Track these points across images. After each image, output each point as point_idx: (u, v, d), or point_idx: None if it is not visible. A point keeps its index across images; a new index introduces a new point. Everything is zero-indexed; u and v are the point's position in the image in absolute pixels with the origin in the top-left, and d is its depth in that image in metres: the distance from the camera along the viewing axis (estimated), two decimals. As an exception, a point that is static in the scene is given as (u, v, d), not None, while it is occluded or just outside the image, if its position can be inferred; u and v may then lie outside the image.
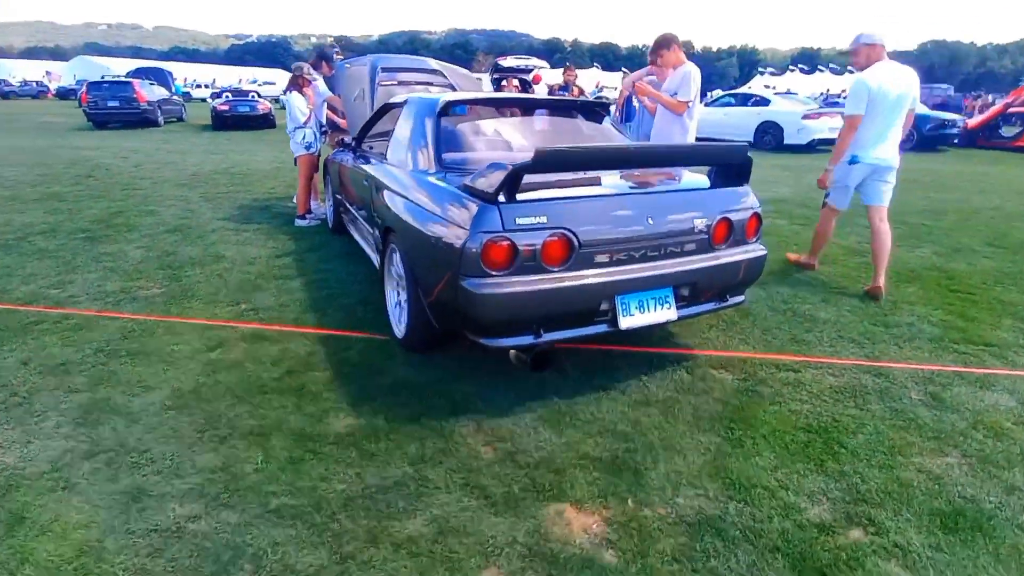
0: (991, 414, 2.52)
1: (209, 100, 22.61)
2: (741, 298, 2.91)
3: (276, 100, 22.07)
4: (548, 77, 12.25)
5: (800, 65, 46.00)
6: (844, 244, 5.18)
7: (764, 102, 13.86)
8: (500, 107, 3.54)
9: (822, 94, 27.83)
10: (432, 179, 2.74)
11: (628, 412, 2.50)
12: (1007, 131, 14.83)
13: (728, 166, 2.76)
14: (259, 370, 2.85)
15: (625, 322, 2.46)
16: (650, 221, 2.46)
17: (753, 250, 2.80)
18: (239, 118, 16.27)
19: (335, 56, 6.68)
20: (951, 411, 2.54)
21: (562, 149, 2.34)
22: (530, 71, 11.91)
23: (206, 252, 4.73)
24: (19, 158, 10.15)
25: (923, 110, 14.95)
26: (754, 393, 2.67)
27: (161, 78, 22.88)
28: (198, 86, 40.88)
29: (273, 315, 3.51)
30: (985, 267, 4.57)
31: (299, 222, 5.66)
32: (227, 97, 18.16)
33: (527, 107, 3.64)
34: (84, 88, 16.53)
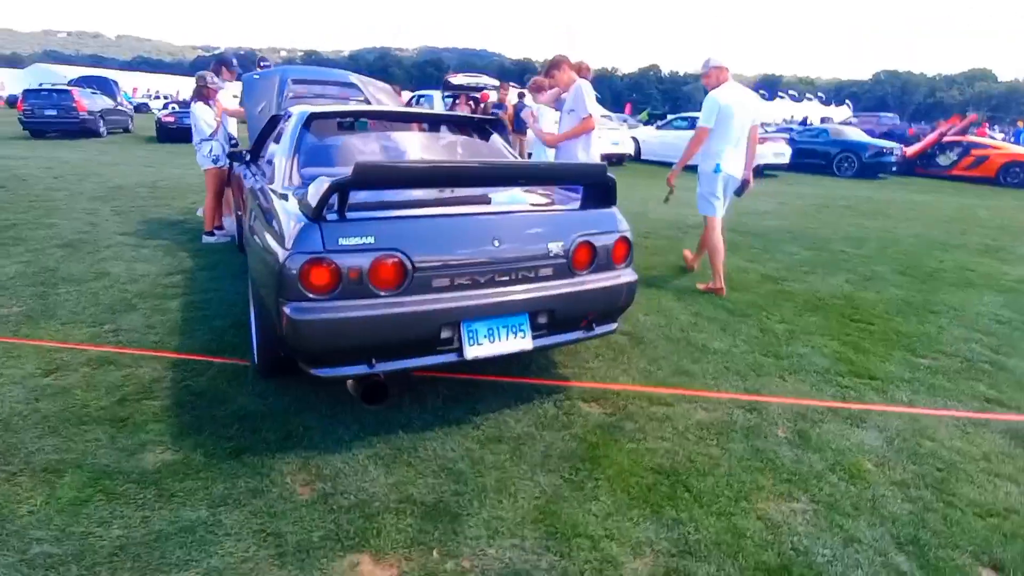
0: (853, 454, 2.42)
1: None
2: (612, 326, 2.79)
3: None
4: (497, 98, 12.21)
5: (761, 91, 47.30)
6: (762, 271, 5.16)
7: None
8: (382, 121, 3.39)
9: (784, 120, 28.59)
10: (278, 195, 2.57)
11: (475, 449, 2.33)
12: (943, 159, 15.28)
13: (591, 187, 2.65)
14: (88, 398, 2.60)
15: (472, 351, 2.31)
16: (496, 244, 2.32)
17: (621, 276, 2.69)
18: (185, 130, 15.75)
19: (258, 67, 6.49)
20: (813, 451, 2.43)
21: (385, 164, 2.21)
22: (480, 89, 11.90)
23: (91, 268, 4.44)
24: (-62, 164, 9.66)
25: (863, 138, 15.44)
26: (616, 429, 2.52)
27: (106, 87, 22.20)
28: (156, 97, 39.67)
29: (134, 337, 3.26)
30: (891, 296, 4.57)
31: (206, 239, 5.40)
32: (173, 108, 17.44)
33: (410, 122, 3.51)
34: (20, 96, 15.90)
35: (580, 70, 4.73)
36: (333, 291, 2.08)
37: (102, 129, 16.86)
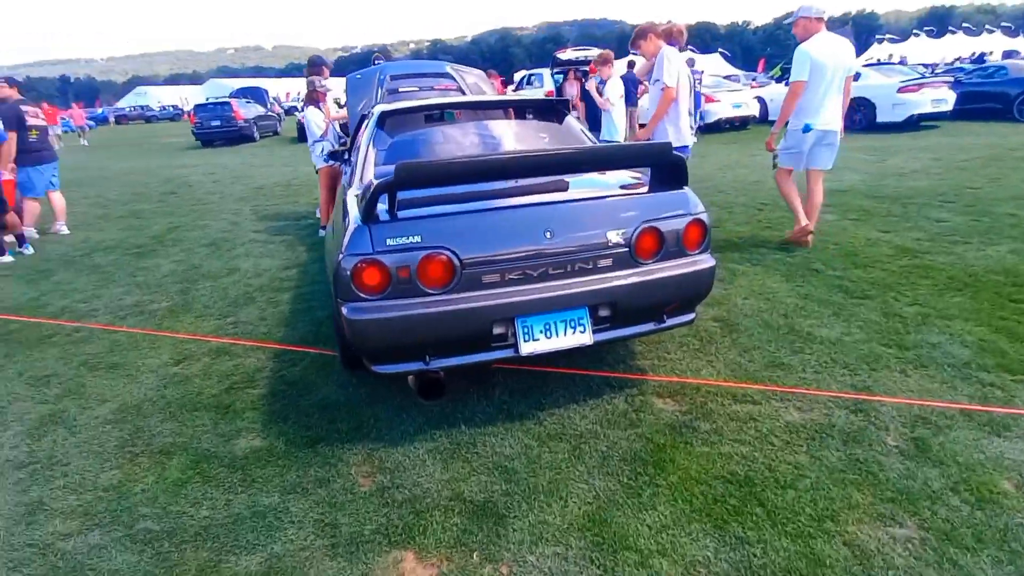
0: (986, 471, 2.00)
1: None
2: (688, 317, 2.56)
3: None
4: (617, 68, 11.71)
5: (927, 28, 40.39)
6: (898, 242, 4.45)
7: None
8: (445, 113, 3.38)
9: (955, 60, 24.30)
10: (350, 196, 2.67)
11: (533, 447, 2.29)
12: None
13: (657, 169, 2.42)
14: (204, 385, 2.95)
15: (527, 347, 2.25)
16: (548, 236, 2.21)
17: (696, 263, 2.44)
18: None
19: (374, 62, 6.80)
20: (933, 464, 2.05)
21: (425, 163, 2.17)
22: (588, 63, 11.49)
23: (225, 265, 5.03)
24: (128, 178, 11.52)
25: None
26: (688, 430, 2.33)
27: (258, 96, 24.93)
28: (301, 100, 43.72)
29: (248, 329, 3.64)
30: (1076, 270, 3.70)
31: (322, 232, 5.87)
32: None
33: (480, 111, 3.46)
34: (191, 110, 18.46)
35: (671, 35, 4.38)
36: (385, 291, 2.13)
37: (256, 134, 19.05)
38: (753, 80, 22.68)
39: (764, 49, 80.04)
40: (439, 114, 3.40)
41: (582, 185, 2.54)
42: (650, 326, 2.47)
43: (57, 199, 6.69)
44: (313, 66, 5.86)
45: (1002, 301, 3.31)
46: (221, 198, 8.56)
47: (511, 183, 2.45)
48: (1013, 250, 4.12)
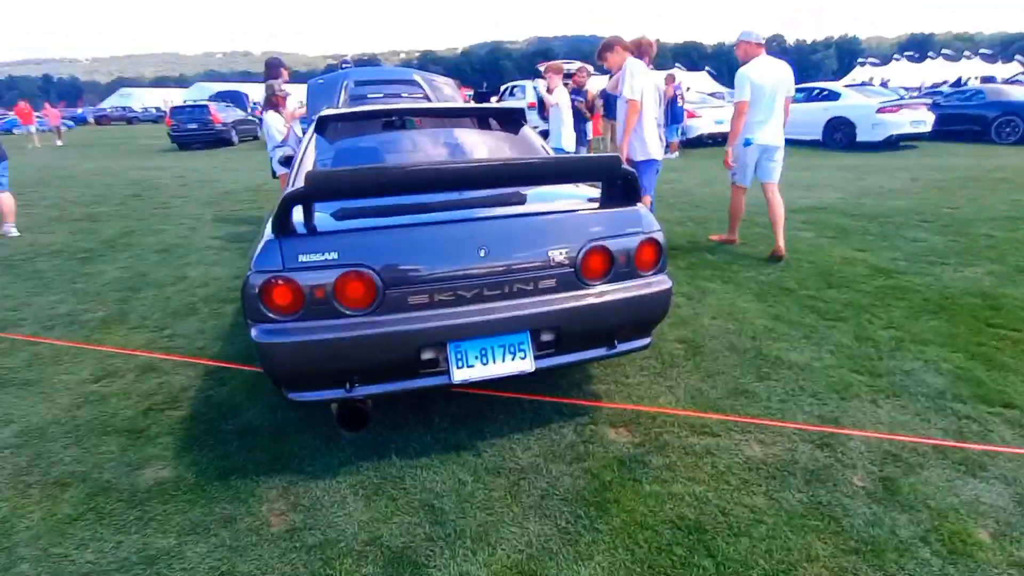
0: (960, 517, 1.82)
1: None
2: (642, 342, 2.36)
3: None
4: (597, 82, 11.65)
5: (908, 53, 41.27)
6: (874, 262, 4.32)
7: (833, 96, 12.25)
8: (391, 121, 3.16)
9: (932, 85, 24.75)
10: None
11: (467, 483, 2.07)
12: None
13: (607, 183, 2.23)
14: (121, 406, 2.69)
15: (460, 375, 2.03)
16: (482, 253, 2.00)
17: (650, 284, 2.25)
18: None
19: (340, 67, 6.61)
20: (902, 508, 1.87)
21: (338, 171, 1.97)
22: (571, 75, 11.42)
23: (173, 273, 4.77)
24: (95, 179, 11.15)
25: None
26: (639, 465, 2.12)
27: (238, 100, 24.63)
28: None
29: (183, 343, 3.38)
30: (1053, 295, 3.58)
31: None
32: (295, 116, 19.21)
33: (433, 118, 3.26)
34: (168, 112, 18.12)
35: (639, 47, 4.25)
36: (298, 311, 1.91)
37: (234, 138, 18.71)
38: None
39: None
40: (392, 121, 3.19)
41: (539, 199, 2.34)
42: (600, 352, 2.28)
43: (5, 200, 6.35)
44: (270, 68, 5.65)
45: (979, 325, 3.17)
46: (184, 202, 8.27)
47: (457, 195, 2.25)
48: (990, 272, 4.01)
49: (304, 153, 2.83)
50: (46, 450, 2.38)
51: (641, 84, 4.15)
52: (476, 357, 2.05)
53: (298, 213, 2.02)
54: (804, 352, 2.95)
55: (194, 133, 17.45)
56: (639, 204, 2.30)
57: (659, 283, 2.28)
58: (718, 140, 13.23)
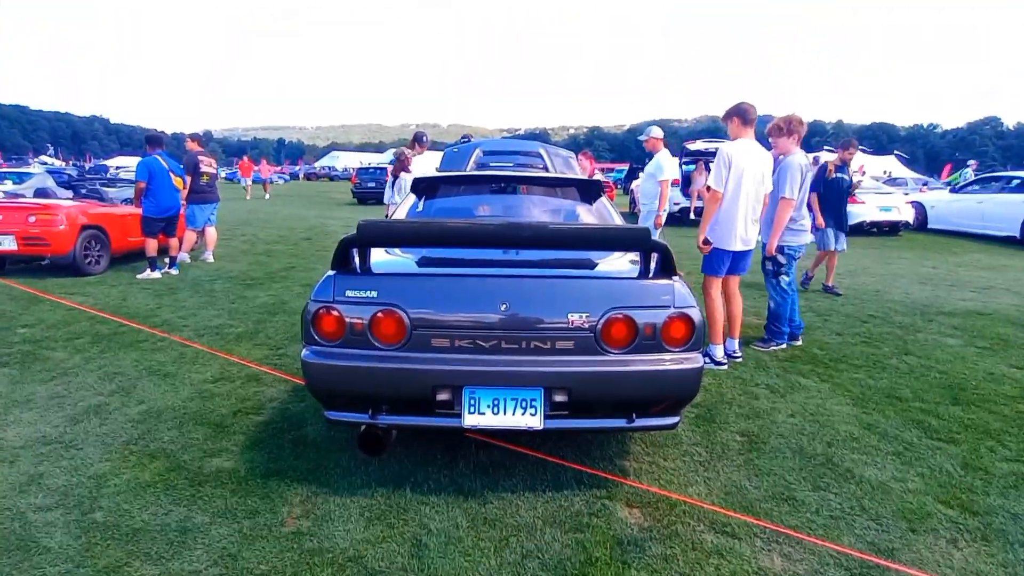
0: None
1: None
2: (669, 420, 2.27)
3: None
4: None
5: (862, 148, 33.58)
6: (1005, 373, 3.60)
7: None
8: (486, 185, 3.48)
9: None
10: None
11: (463, 527, 2.13)
12: None
13: (644, 254, 2.26)
14: (221, 404, 3.20)
15: (471, 419, 2.15)
16: (504, 307, 2.14)
17: (678, 361, 2.19)
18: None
19: (461, 140, 7.33)
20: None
21: (383, 222, 2.24)
22: (713, 153, 11.31)
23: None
24: (286, 223, 13.32)
25: None
26: (635, 549, 2.01)
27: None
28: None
29: (288, 362, 3.91)
30: None
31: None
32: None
33: (515, 185, 3.52)
34: (354, 172, 21.09)
35: (787, 127, 4.07)
36: (340, 339, 2.20)
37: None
38: (924, 185, 20.57)
39: (952, 153, 72.38)
40: (493, 185, 3.53)
41: (579, 264, 2.47)
42: (617, 423, 2.24)
43: (210, 233, 7.92)
44: (413, 140, 6.49)
45: None
46: (343, 247, 9.51)
47: (502, 253, 2.46)
48: None
49: (399, 208, 3.24)
50: (155, 428, 2.91)
51: (729, 175, 3.72)
52: (488, 405, 2.15)
53: (358, 256, 2.35)
54: (886, 470, 2.56)
55: (371, 190, 20.10)
56: (676, 278, 2.29)
57: (688, 361, 2.21)
58: (884, 229, 11.97)
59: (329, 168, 54.85)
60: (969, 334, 4.71)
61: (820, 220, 5.98)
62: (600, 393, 2.17)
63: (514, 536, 2.08)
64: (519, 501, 2.30)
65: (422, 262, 2.43)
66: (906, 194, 13.85)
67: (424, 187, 3.36)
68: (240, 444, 2.74)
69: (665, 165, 5.92)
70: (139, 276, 6.58)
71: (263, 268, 7.41)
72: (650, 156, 6.19)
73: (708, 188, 3.80)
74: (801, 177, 4.02)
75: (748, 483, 2.45)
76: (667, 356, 2.20)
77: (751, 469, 2.56)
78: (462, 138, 7.10)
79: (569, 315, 2.15)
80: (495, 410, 2.15)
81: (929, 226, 12.63)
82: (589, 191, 3.33)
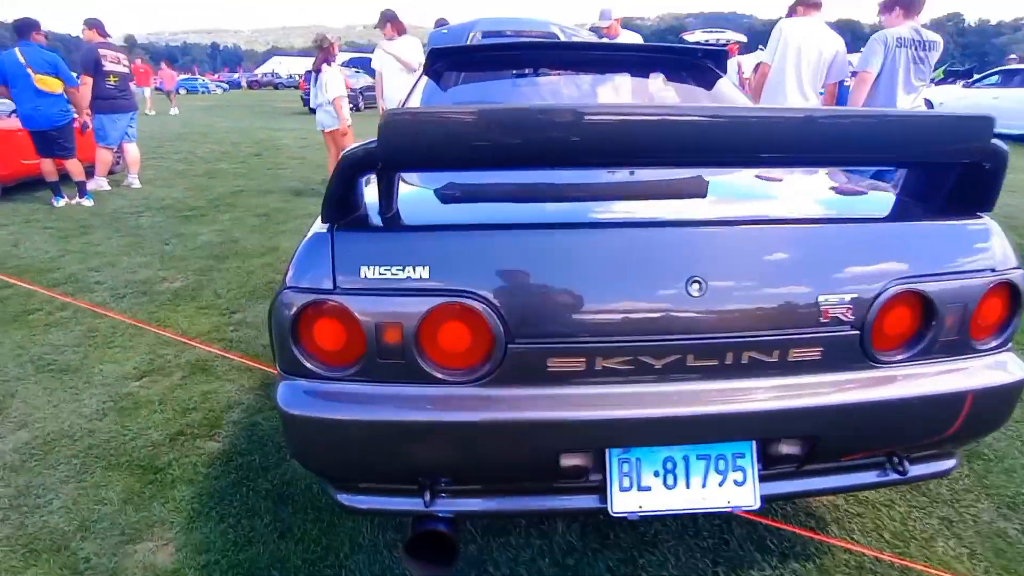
0: None
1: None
2: (946, 465, 1.28)
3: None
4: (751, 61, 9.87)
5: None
6: None
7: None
8: (545, 57, 2.22)
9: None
10: None
11: None
12: None
13: (942, 171, 1.16)
14: (149, 424, 2.07)
15: (625, 502, 1.10)
16: (696, 290, 1.03)
17: (990, 367, 1.17)
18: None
19: (439, 28, 5.74)
20: None
21: (439, 111, 1.07)
22: (724, 46, 9.84)
23: (266, 242, 4.26)
24: (228, 137, 11.43)
25: None
26: None
27: (369, 67, 24.97)
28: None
29: (248, 335, 2.77)
30: None
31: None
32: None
33: (589, 59, 2.26)
34: (302, 77, 18.55)
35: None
36: (354, 363, 1.07)
37: (360, 103, 18.90)
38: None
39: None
40: (529, 62, 2.26)
41: (790, 198, 1.35)
42: (871, 478, 1.24)
43: (131, 151, 6.31)
44: (384, 19, 4.90)
45: None
46: (300, 163, 8.00)
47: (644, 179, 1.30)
48: None
49: (407, 103, 2.00)
50: (37, 483, 1.79)
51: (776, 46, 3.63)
52: (655, 475, 1.10)
53: (370, 191, 1.19)
54: None
55: (324, 97, 17.82)
56: (985, 215, 1.21)
57: (1005, 365, 1.18)
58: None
59: (272, 74, 49.98)
60: None
61: None
62: (862, 436, 1.14)
63: None
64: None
65: (491, 196, 1.25)
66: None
67: (444, 66, 2.08)
68: (184, 510, 1.66)
69: None
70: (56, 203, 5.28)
71: (204, 194, 5.95)
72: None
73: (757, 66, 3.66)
74: (885, 50, 3.25)
75: (944, 527, 1.54)
76: (972, 359, 1.17)
77: (995, 500, 1.65)
78: (437, 24, 5.42)
79: (820, 297, 1.07)
80: (667, 482, 1.11)
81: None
82: (703, 67, 2.11)
